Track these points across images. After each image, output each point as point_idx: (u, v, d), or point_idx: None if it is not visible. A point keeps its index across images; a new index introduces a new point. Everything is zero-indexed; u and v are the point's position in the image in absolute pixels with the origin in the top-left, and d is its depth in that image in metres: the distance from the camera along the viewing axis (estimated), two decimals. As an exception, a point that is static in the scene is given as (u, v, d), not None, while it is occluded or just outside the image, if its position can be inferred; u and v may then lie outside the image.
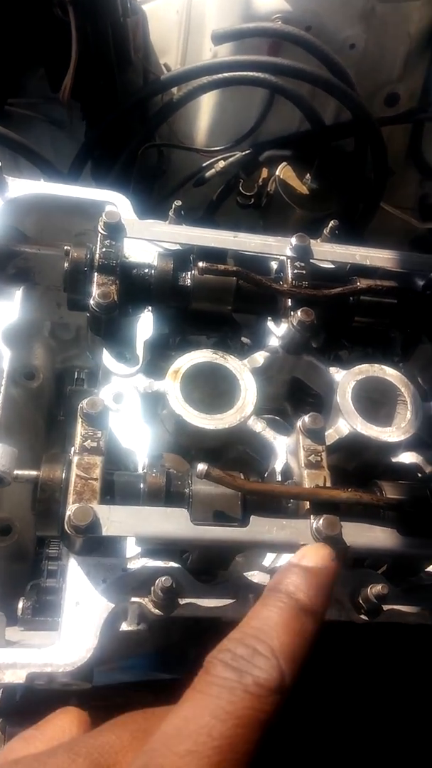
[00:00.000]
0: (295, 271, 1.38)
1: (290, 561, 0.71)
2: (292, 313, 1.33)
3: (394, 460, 1.45)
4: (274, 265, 1.45)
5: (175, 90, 2.27)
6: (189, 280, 1.35)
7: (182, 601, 1.10)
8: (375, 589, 1.11)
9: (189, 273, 1.36)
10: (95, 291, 1.27)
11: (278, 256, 1.41)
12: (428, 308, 1.45)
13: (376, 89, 2.43)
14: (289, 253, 1.41)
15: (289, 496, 1.13)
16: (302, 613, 0.70)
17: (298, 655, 0.66)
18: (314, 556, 0.77)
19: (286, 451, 1.28)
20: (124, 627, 1.14)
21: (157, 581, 1.06)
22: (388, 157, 2.33)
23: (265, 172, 2.45)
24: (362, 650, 1.48)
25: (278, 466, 1.28)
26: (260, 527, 1.10)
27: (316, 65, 2.18)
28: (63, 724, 0.75)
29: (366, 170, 2.39)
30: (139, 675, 1.24)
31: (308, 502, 1.12)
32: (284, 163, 2.43)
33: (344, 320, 1.43)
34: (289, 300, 1.35)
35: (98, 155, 2.33)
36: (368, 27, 2.25)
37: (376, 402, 1.43)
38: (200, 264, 1.29)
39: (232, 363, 1.33)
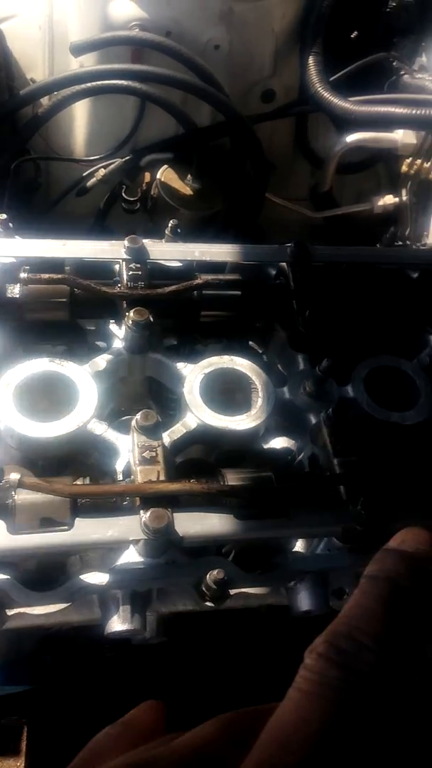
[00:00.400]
0: (131, 272, 1.36)
1: (387, 545, 0.64)
2: (127, 314, 1.30)
3: (265, 446, 1.44)
4: (116, 267, 1.42)
5: (44, 103, 2.26)
6: (17, 292, 1.32)
7: (10, 612, 1.06)
8: (212, 575, 1.09)
9: (17, 285, 1.33)
10: None
11: (114, 260, 1.39)
12: (277, 297, 1.44)
13: (249, 87, 2.45)
14: (123, 255, 1.38)
15: (113, 494, 1.10)
16: (404, 601, 0.64)
17: (405, 646, 0.60)
18: (413, 539, 0.69)
19: (127, 450, 1.25)
20: None
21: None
22: (264, 153, 2.33)
23: (147, 177, 2.44)
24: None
25: (120, 465, 1.25)
26: (86, 529, 1.07)
27: (183, 70, 2.18)
28: (149, 719, 0.70)
29: (247, 166, 2.39)
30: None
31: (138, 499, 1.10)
32: (165, 166, 2.42)
33: (191, 316, 1.41)
34: (125, 302, 1.33)
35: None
36: (230, 27, 2.27)
37: (232, 391, 1.42)
38: (22, 275, 1.26)
39: (69, 369, 1.29)
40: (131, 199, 2.41)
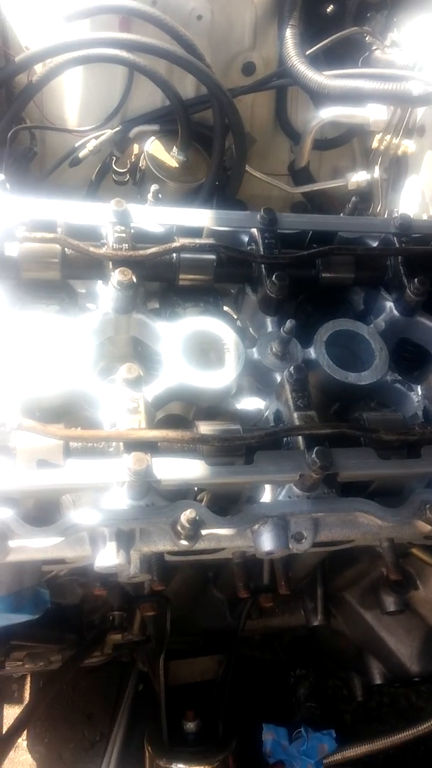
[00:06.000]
0: (116, 235, 1.40)
1: None
2: (112, 274, 1.35)
3: (238, 406, 1.51)
4: (103, 231, 1.47)
5: (39, 70, 2.25)
6: (15, 251, 1.36)
7: (13, 544, 1.14)
8: (186, 515, 1.17)
9: (15, 244, 1.37)
10: None
11: (101, 222, 1.43)
12: (249, 262, 1.48)
13: (231, 59, 2.44)
14: (111, 218, 1.42)
15: (99, 438, 1.18)
16: None
17: None
18: None
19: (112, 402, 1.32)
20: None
21: (-19, 528, 1.10)
22: (244, 126, 2.33)
23: (136, 149, 2.45)
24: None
25: (108, 418, 1.32)
26: (77, 470, 1.15)
27: (168, 40, 2.18)
28: None
29: (229, 140, 2.40)
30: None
31: (122, 444, 1.18)
32: (153, 138, 2.43)
33: (170, 278, 1.46)
34: (111, 263, 1.37)
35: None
36: (212, -3, 2.24)
37: (207, 352, 1.48)
38: (19, 233, 1.30)
39: (62, 326, 1.35)
40: (121, 170, 2.42)
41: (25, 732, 3.07)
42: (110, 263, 1.38)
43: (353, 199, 1.63)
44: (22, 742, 3.08)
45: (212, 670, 2.26)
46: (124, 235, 1.40)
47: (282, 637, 2.34)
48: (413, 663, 1.97)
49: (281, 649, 2.35)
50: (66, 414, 1.40)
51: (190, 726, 2.19)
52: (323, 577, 2.07)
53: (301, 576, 1.96)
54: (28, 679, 3.06)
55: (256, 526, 1.25)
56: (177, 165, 2.41)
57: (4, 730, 2.78)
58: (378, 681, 2.13)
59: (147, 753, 2.23)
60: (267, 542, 1.24)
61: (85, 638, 2.17)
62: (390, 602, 1.86)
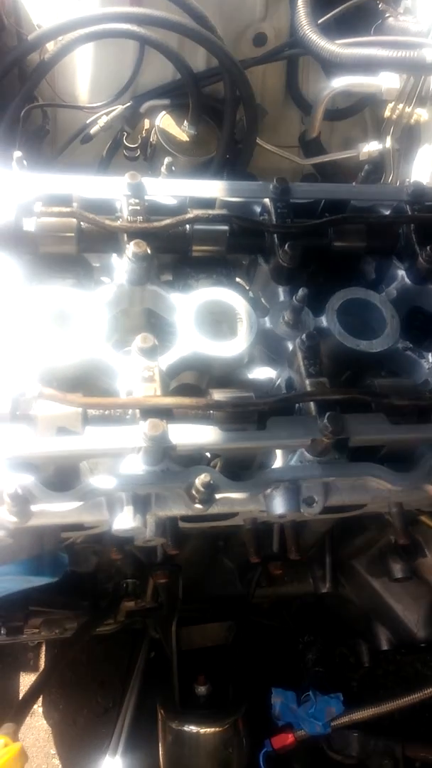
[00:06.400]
0: (131, 207, 1.42)
1: None
2: (126, 246, 1.37)
3: (250, 376, 1.54)
4: (117, 204, 1.48)
5: (50, 48, 2.25)
6: (32, 226, 1.39)
7: (35, 508, 1.18)
8: (200, 479, 1.20)
9: (33, 219, 1.39)
10: None
11: (116, 196, 1.45)
12: (261, 232, 1.50)
13: (242, 30, 2.42)
14: (125, 191, 1.44)
15: (117, 406, 1.21)
16: None
17: None
18: None
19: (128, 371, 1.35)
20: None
21: (5, 492, 1.14)
22: (255, 98, 2.33)
23: (147, 124, 2.45)
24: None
25: (123, 387, 1.35)
26: (96, 436, 1.18)
27: (179, 13, 2.17)
28: None
29: (240, 112, 2.39)
30: (17, 581, 1.35)
31: (138, 411, 1.21)
32: (164, 112, 2.43)
33: (184, 250, 1.48)
34: (126, 235, 1.39)
35: (-17, 119, 2.30)
36: (223, -34, 2.23)
37: (220, 323, 1.50)
38: (36, 208, 1.32)
39: (78, 298, 1.38)
40: (132, 146, 2.42)
41: (40, 699, 3.18)
42: (125, 236, 1.40)
43: (366, 167, 1.63)
44: (38, 708, 3.17)
45: (222, 636, 2.31)
46: (138, 207, 1.42)
47: (290, 604, 2.39)
48: (420, 629, 2.01)
49: (289, 616, 2.40)
50: (82, 384, 1.43)
51: (201, 690, 2.25)
52: (332, 545, 2.11)
53: (310, 544, 2.00)
54: (43, 649, 3.14)
55: (269, 490, 1.29)
56: (188, 139, 2.41)
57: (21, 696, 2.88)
58: (385, 647, 2.18)
59: (159, 716, 2.30)
60: (279, 506, 1.28)
61: (99, 605, 2.23)
62: (398, 569, 1.89)
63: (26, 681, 3.11)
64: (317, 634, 2.39)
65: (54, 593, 1.94)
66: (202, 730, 2.18)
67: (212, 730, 2.17)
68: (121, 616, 2.41)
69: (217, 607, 2.27)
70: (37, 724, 3.14)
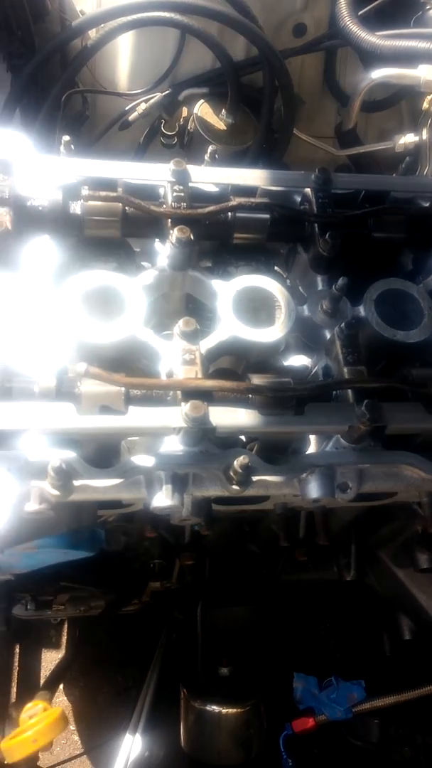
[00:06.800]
0: (175, 194, 1.44)
1: None
2: (170, 232, 1.40)
3: (286, 363, 1.56)
4: (161, 191, 1.51)
5: (92, 35, 2.27)
6: (78, 209, 1.42)
7: (77, 483, 1.22)
8: (239, 461, 1.23)
9: (79, 202, 1.42)
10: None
11: (160, 182, 1.47)
12: (301, 221, 1.52)
13: (282, 21, 2.42)
14: (169, 177, 1.47)
15: (160, 387, 1.24)
16: None
17: None
18: None
19: (170, 354, 1.38)
20: (29, 508, 1.26)
21: (50, 466, 1.18)
22: (294, 88, 2.33)
23: (185, 111, 2.46)
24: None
25: (164, 369, 1.38)
26: (138, 416, 1.22)
27: (220, 2, 2.18)
28: None
29: (277, 102, 2.40)
30: (55, 554, 1.39)
31: (180, 393, 1.24)
32: (202, 101, 2.44)
33: (225, 237, 1.51)
34: (170, 221, 1.42)
35: (25, 104, 2.34)
36: (265, -42, 2.23)
37: (258, 309, 1.52)
38: (84, 192, 1.35)
39: (121, 282, 1.41)
40: (170, 133, 2.44)
41: (61, 676, 3.25)
42: (169, 221, 1.42)
43: (406, 159, 1.64)
44: (59, 686, 3.25)
45: (246, 619, 2.35)
46: (182, 194, 1.44)
47: (314, 591, 2.42)
48: (443, 620, 2.03)
49: (313, 603, 2.43)
50: (122, 366, 1.46)
51: (224, 671, 2.29)
52: (358, 534, 2.13)
53: (336, 532, 2.02)
54: (65, 626, 3.21)
55: (304, 475, 1.31)
56: (225, 128, 2.42)
57: (43, 674, 2.95)
58: (407, 637, 2.20)
59: (182, 695, 2.35)
60: (314, 490, 1.30)
61: (126, 585, 2.28)
62: (424, 559, 1.91)
63: (48, 658, 3.17)
64: (340, 622, 2.41)
65: (85, 570, 1.99)
66: (224, 710, 2.22)
67: (234, 710, 2.22)
68: (146, 596, 2.46)
69: (241, 591, 2.30)
70: (57, 701, 3.20)
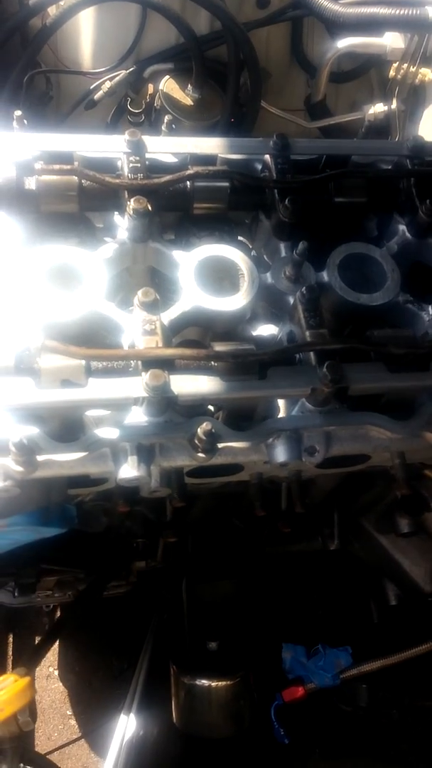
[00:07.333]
0: (131, 165, 1.43)
1: None
2: (128, 203, 1.39)
3: (254, 333, 1.55)
4: (118, 163, 1.49)
5: (52, 12, 2.24)
6: (33, 184, 1.40)
7: (40, 459, 1.22)
8: (202, 428, 1.23)
9: (33, 177, 1.41)
10: None
11: (116, 154, 1.46)
12: (262, 189, 1.51)
13: (245, -8, 2.40)
14: (125, 149, 1.45)
15: (119, 357, 1.23)
16: None
17: None
18: None
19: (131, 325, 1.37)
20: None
21: (10, 442, 1.17)
22: (259, 61, 2.31)
23: (150, 88, 2.44)
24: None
25: (126, 341, 1.37)
26: (98, 387, 1.21)
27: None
28: None
29: (243, 75, 2.38)
30: (26, 532, 1.39)
31: (140, 363, 1.24)
32: (167, 77, 2.42)
33: (185, 207, 1.50)
34: (126, 192, 1.41)
35: (-13, 86, 2.31)
36: None
37: (222, 279, 1.51)
38: (37, 166, 1.34)
39: (80, 256, 1.39)
40: (136, 111, 2.42)
41: (56, 662, 3.27)
42: (126, 193, 1.41)
43: (366, 122, 1.63)
44: (54, 671, 3.27)
45: (233, 593, 2.36)
46: (139, 165, 1.43)
47: (300, 562, 2.44)
48: (427, 583, 2.04)
49: (299, 574, 2.45)
50: (87, 342, 1.46)
51: (213, 645, 2.31)
52: (339, 503, 2.14)
53: (317, 501, 2.03)
54: (58, 613, 3.22)
55: (270, 440, 1.31)
56: (192, 103, 2.41)
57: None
58: (393, 602, 2.22)
59: (172, 671, 2.37)
60: (281, 454, 1.30)
61: (109, 564, 2.29)
62: (404, 524, 1.92)
63: (41, 646, 3.19)
64: (326, 591, 2.43)
65: (65, 551, 1.99)
66: (214, 684, 2.24)
67: (223, 683, 2.23)
68: (132, 577, 2.47)
69: (226, 565, 2.32)
70: (53, 687, 3.24)
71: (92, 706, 3.11)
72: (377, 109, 2.55)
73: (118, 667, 3.21)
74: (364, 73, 2.70)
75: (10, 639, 3.02)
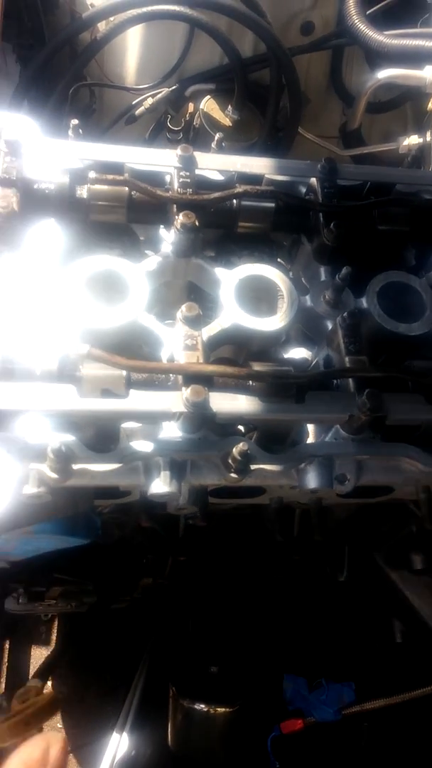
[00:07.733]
0: (181, 179, 1.44)
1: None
2: (176, 217, 1.39)
3: (286, 356, 1.55)
4: (167, 178, 1.51)
5: (102, 28, 2.28)
6: (85, 193, 1.41)
7: (75, 467, 1.21)
8: (238, 447, 1.22)
9: (85, 186, 1.42)
10: (-4, 201, 1.34)
11: (166, 168, 1.47)
12: (306, 211, 1.52)
13: (290, 18, 2.43)
14: (175, 163, 1.46)
15: (161, 370, 1.23)
16: None
17: None
18: None
19: (171, 340, 1.37)
20: (27, 491, 1.25)
21: (49, 448, 1.17)
22: (300, 86, 2.34)
23: (191, 107, 2.47)
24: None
25: (166, 355, 1.37)
26: (138, 399, 1.21)
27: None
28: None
29: (283, 100, 2.41)
30: (52, 540, 1.38)
31: (181, 377, 1.23)
32: (208, 97, 2.45)
33: (229, 225, 1.50)
34: (175, 206, 1.41)
35: (33, 96, 2.34)
36: None
37: (260, 299, 1.52)
38: (91, 175, 1.35)
39: (126, 266, 1.40)
40: (175, 128, 2.44)
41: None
42: (174, 207, 1.42)
43: (412, 153, 1.64)
44: (47, 683, 3.22)
45: (238, 619, 2.34)
46: (188, 180, 1.44)
47: (307, 592, 2.41)
48: (435, 622, 2.02)
49: (305, 604, 2.43)
50: (125, 353, 1.46)
51: (214, 670, 2.28)
52: (351, 535, 2.12)
53: (331, 530, 2.02)
54: (56, 623, 3.19)
55: (302, 465, 1.30)
56: (230, 124, 2.43)
57: (32, 670, 2.93)
58: (399, 640, 2.19)
59: (171, 693, 2.33)
60: (312, 480, 1.30)
61: (118, 579, 2.26)
62: (418, 561, 1.90)
63: (38, 654, 3.15)
64: (330, 624, 2.41)
65: (77, 562, 1.97)
66: (213, 710, 2.21)
67: (222, 709, 2.20)
68: (137, 592, 2.44)
69: (234, 590, 2.29)
70: (44, 699, 3.19)
71: (84, 721, 3.06)
72: (411, 140, 2.58)
73: (111, 684, 3.16)
74: (400, 105, 2.73)
75: (7, 645, 3.00)
